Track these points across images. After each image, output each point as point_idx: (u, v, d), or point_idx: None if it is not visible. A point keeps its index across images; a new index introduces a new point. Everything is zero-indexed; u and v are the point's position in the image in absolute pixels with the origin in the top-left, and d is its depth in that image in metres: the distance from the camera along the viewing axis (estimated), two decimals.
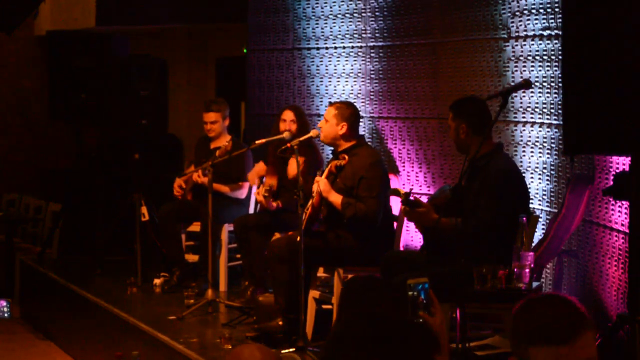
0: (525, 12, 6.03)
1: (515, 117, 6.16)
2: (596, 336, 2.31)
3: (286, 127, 6.77)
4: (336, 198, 5.90)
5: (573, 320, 2.23)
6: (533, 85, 5.67)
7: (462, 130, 5.25)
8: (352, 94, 7.54)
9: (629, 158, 4.62)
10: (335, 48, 7.71)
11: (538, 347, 2.21)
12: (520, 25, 6.09)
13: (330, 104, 6.35)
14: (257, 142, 6.47)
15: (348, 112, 6.10)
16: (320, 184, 5.94)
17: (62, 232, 8.92)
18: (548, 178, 5.93)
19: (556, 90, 5.76)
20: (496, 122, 5.14)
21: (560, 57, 5.27)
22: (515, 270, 4.79)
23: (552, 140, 5.86)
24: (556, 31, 5.72)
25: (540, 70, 5.93)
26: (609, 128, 4.28)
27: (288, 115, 6.90)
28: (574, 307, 2.26)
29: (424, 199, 6.02)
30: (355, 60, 7.55)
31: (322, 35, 7.83)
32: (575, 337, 2.20)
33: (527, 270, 4.78)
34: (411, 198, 5.27)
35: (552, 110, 5.84)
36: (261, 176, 7.28)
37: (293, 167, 6.73)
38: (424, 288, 3.14)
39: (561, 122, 5.32)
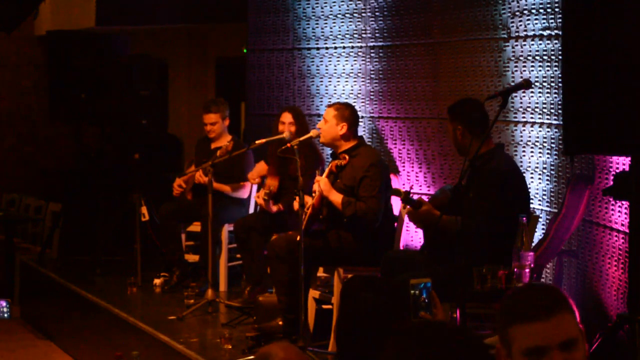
0: (525, 12, 6.03)
1: (515, 117, 6.16)
2: (575, 317, 2.31)
3: (285, 129, 6.78)
4: (336, 197, 5.89)
5: (548, 301, 2.27)
6: (533, 85, 5.67)
7: (459, 132, 5.28)
8: (352, 94, 7.54)
9: (629, 158, 4.62)
10: (335, 48, 7.71)
11: (514, 327, 2.27)
12: (520, 25, 6.09)
13: (329, 105, 6.35)
14: (257, 142, 6.47)
15: (347, 112, 6.11)
16: (321, 183, 5.94)
17: (62, 232, 8.92)
18: (548, 178, 5.93)
19: (556, 90, 5.76)
20: (496, 122, 5.14)
21: (560, 57, 5.27)
22: (515, 270, 4.78)
23: (552, 140, 5.86)
24: (556, 31, 5.72)
25: (540, 70, 5.92)
26: (609, 128, 4.28)
27: (286, 117, 6.90)
28: (551, 291, 2.31)
29: (424, 199, 6.01)
30: (355, 60, 7.54)
31: (322, 35, 7.82)
32: (548, 315, 2.24)
33: (527, 270, 4.77)
34: (413, 197, 5.28)
35: (552, 110, 5.84)
36: (263, 176, 7.27)
37: None
38: (426, 287, 3.14)
39: (561, 122, 5.32)
